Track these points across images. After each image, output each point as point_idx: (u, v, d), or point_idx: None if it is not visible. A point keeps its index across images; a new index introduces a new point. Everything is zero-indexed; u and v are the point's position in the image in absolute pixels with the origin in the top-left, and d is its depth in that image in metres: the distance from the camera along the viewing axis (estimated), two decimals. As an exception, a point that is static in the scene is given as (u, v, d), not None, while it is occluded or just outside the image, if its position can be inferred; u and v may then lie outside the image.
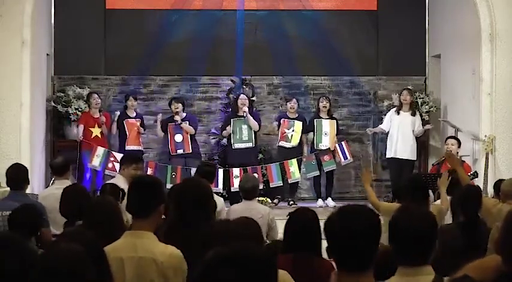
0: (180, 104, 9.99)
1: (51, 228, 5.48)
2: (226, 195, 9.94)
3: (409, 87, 10.58)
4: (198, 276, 1.97)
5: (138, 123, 10.20)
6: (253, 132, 10.08)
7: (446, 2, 10.73)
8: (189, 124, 9.96)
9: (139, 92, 11.00)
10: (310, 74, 11.49)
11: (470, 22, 9.58)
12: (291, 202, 10.21)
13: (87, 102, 10.26)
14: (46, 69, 10.41)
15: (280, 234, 5.04)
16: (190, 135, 9.96)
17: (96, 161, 9.70)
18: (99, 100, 10.22)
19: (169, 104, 10.13)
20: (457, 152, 8.61)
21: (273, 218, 6.21)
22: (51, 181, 8.40)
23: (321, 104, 10.34)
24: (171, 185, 9.21)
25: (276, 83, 11.53)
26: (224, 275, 1.92)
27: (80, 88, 10.71)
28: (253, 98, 10.98)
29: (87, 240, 2.79)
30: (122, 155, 9.08)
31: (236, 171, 9.72)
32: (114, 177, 7.40)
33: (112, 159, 9.60)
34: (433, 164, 9.14)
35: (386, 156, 10.31)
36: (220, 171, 9.74)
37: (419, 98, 10.87)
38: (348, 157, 10.12)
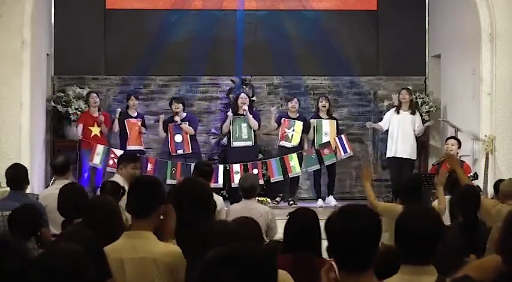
0: (180, 104, 10.00)
1: (51, 228, 5.48)
2: (227, 195, 9.95)
3: (409, 87, 10.57)
4: (198, 276, 1.97)
5: (140, 123, 10.21)
6: (253, 131, 10.09)
7: (446, 2, 10.73)
8: (189, 124, 9.96)
9: (140, 92, 11.00)
10: (310, 74, 11.49)
11: (470, 22, 9.58)
12: (291, 202, 10.21)
13: (86, 101, 10.27)
14: (46, 69, 10.41)
15: (279, 234, 5.04)
16: (190, 135, 9.96)
17: (96, 159, 9.72)
18: (98, 99, 10.23)
19: (170, 104, 10.15)
20: (457, 152, 8.61)
21: (273, 218, 6.20)
22: (51, 181, 8.40)
23: (320, 104, 10.34)
24: (171, 180, 9.29)
25: (276, 83, 11.54)
26: (224, 275, 1.92)
27: (80, 88, 10.72)
28: (253, 98, 10.98)
29: (86, 240, 2.79)
30: (122, 152, 9.11)
31: (236, 167, 9.74)
32: (113, 175, 7.39)
33: (112, 156, 9.62)
34: (433, 164, 9.15)
35: (387, 156, 10.31)
36: (221, 167, 9.76)
37: (419, 98, 10.87)
38: (348, 150, 10.11)
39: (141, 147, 10.21)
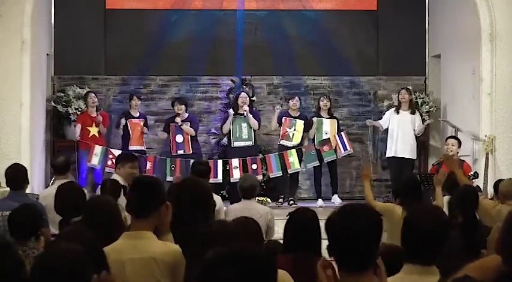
0: (183, 105, 10.02)
1: (50, 227, 5.47)
2: (227, 195, 9.95)
3: (409, 87, 10.57)
4: (198, 276, 1.97)
5: (142, 123, 10.22)
6: (253, 131, 10.10)
7: (446, 2, 10.73)
8: (190, 125, 9.98)
9: (140, 92, 11.00)
10: (310, 74, 11.49)
11: (470, 22, 9.58)
12: (291, 202, 10.20)
13: (85, 101, 10.28)
14: (46, 69, 10.41)
15: (278, 234, 5.04)
16: (191, 136, 9.98)
17: (95, 160, 9.72)
18: (96, 99, 10.23)
19: (173, 105, 10.16)
20: (458, 152, 8.61)
21: (272, 218, 6.21)
22: (51, 181, 8.40)
23: (321, 103, 10.34)
24: (171, 177, 9.31)
25: (276, 83, 11.54)
26: (224, 275, 1.92)
27: (80, 88, 10.72)
28: (253, 98, 10.98)
29: (86, 240, 2.79)
30: (120, 152, 9.11)
31: (235, 161, 9.75)
32: (112, 174, 7.39)
33: (111, 156, 9.62)
34: (433, 164, 9.15)
35: (387, 156, 10.31)
36: (220, 162, 9.77)
37: (419, 98, 10.87)
38: (348, 148, 10.10)
39: (143, 148, 10.22)
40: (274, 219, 6.27)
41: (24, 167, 6.20)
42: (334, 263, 2.56)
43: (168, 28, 11.18)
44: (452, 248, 4.53)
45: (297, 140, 10.19)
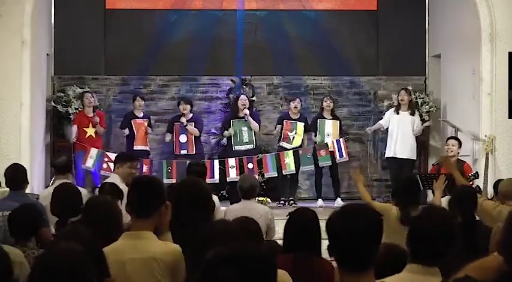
0: (188, 105, 10.03)
1: (51, 227, 5.47)
2: (227, 195, 9.96)
3: (408, 87, 10.57)
4: (198, 276, 1.97)
5: (146, 123, 10.21)
6: (254, 133, 10.08)
7: (446, 2, 10.73)
8: (195, 125, 9.99)
9: (140, 92, 11.00)
10: (310, 74, 11.49)
11: (470, 22, 9.58)
12: (291, 202, 10.21)
13: (81, 101, 10.27)
14: (46, 69, 10.41)
15: (279, 234, 5.03)
16: (195, 136, 9.98)
17: (89, 162, 9.69)
18: (93, 99, 10.22)
19: (178, 104, 10.15)
20: (458, 153, 8.61)
21: (272, 218, 6.21)
22: (51, 181, 8.40)
23: (324, 104, 10.34)
24: (168, 179, 9.30)
25: (276, 83, 11.54)
26: (224, 275, 1.92)
27: (80, 88, 10.72)
28: (253, 98, 10.98)
29: (86, 240, 2.79)
30: (115, 154, 9.10)
31: (232, 161, 9.73)
32: (108, 177, 7.40)
33: (106, 159, 9.60)
34: (433, 164, 9.14)
35: (386, 156, 10.32)
36: (216, 162, 9.78)
37: (419, 98, 10.87)
38: (344, 155, 10.09)
39: (147, 148, 10.21)
40: (274, 219, 6.27)
41: (24, 167, 6.20)
42: (334, 263, 2.57)
43: (168, 28, 11.18)
44: (452, 248, 4.53)
45: (296, 143, 10.19)
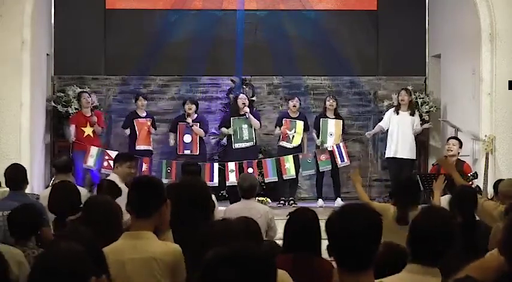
0: (194, 105, 10.04)
1: (51, 227, 5.47)
2: (227, 195, 9.95)
3: (408, 87, 10.56)
4: (198, 276, 1.97)
5: (149, 123, 10.21)
6: (254, 131, 10.09)
7: (446, 2, 10.73)
8: (200, 126, 9.99)
9: (140, 92, 10.99)
10: (310, 74, 11.49)
11: (470, 22, 9.58)
12: (291, 202, 10.21)
13: (78, 102, 10.27)
14: (46, 69, 10.41)
15: (280, 234, 5.03)
16: (199, 137, 9.98)
17: (90, 161, 9.70)
18: (90, 99, 10.22)
19: (183, 104, 10.15)
20: (458, 152, 8.61)
21: (272, 218, 6.20)
22: (52, 181, 8.40)
23: (327, 103, 10.35)
24: (167, 180, 9.30)
25: (276, 83, 11.54)
26: (224, 275, 1.92)
27: (80, 88, 10.71)
28: (253, 98, 10.99)
29: (85, 240, 2.79)
30: (115, 152, 9.11)
31: (231, 165, 9.74)
32: (108, 175, 7.40)
33: (107, 157, 9.61)
34: (433, 164, 9.15)
35: (386, 156, 10.32)
36: (216, 165, 9.77)
37: (419, 98, 10.87)
38: (345, 160, 10.09)
39: (150, 147, 10.21)
40: (275, 219, 6.26)
41: (24, 167, 6.20)
42: (334, 263, 2.57)
43: (168, 28, 11.18)
44: (452, 248, 4.54)
45: (296, 141, 10.19)
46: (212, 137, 11.18)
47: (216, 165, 9.82)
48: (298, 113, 10.33)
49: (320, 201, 10.31)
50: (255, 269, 1.95)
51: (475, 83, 9.54)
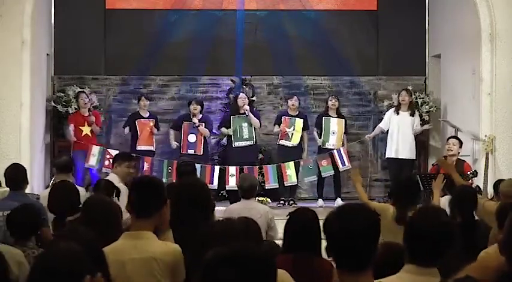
0: (199, 106, 10.06)
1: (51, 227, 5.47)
2: (226, 195, 9.95)
3: (409, 87, 10.57)
4: (198, 276, 1.97)
5: (152, 124, 10.20)
6: (254, 130, 10.09)
7: (446, 2, 10.73)
8: (205, 126, 9.99)
9: (140, 92, 10.99)
10: (310, 74, 11.49)
11: (470, 22, 9.58)
12: (291, 202, 10.21)
13: (76, 102, 10.27)
14: (46, 69, 10.41)
15: (280, 234, 5.03)
16: (204, 137, 9.98)
17: (92, 160, 9.70)
18: (88, 99, 10.21)
19: (189, 104, 10.15)
20: (459, 152, 8.61)
21: (272, 217, 6.20)
22: (52, 181, 8.39)
23: (329, 103, 10.36)
24: (168, 179, 9.30)
25: (276, 83, 11.54)
26: (224, 275, 1.92)
27: (80, 88, 10.71)
28: (253, 98, 10.99)
29: (86, 240, 2.79)
30: (116, 152, 9.11)
31: (232, 169, 9.73)
32: (108, 174, 7.40)
33: (108, 156, 9.61)
34: (433, 164, 9.15)
35: (386, 156, 10.32)
36: (217, 168, 9.76)
37: (419, 98, 10.87)
38: (346, 164, 10.08)
39: (152, 148, 10.20)
40: (275, 219, 6.26)
41: (24, 167, 6.20)
42: (333, 263, 2.57)
43: (168, 28, 11.18)
44: (450, 248, 4.53)
45: (295, 140, 10.20)
46: (212, 137, 11.18)
47: (216, 168, 9.80)
48: (297, 112, 10.34)
49: (320, 201, 10.31)
50: (255, 269, 1.96)
51: (475, 83, 9.54)
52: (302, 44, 11.29)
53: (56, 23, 11.04)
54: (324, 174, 10.08)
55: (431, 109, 10.87)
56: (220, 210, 6.35)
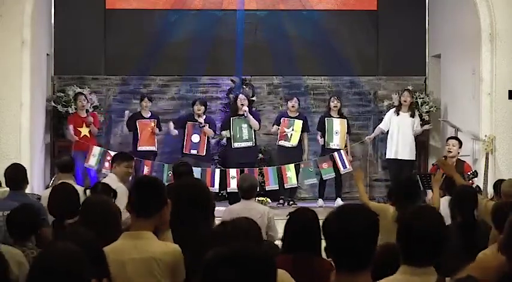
0: (203, 107, 10.02)
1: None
2: (226, 195, 9.95)
3: (409, 87, 10.57)
4: (198, 276, 1.97)
5: (153, 124, 10.19)
6: (253, 131, 10.09)
7: (446, 2, 10.73)
8: (209, 127, 9.98)
9: (140, 92, 10.99)
10: (310, 74, 11.49)
11: (470, 22, 9.58)
12: (291, 202, 10.21)
13: (75, 103, 10.27)
14: (46, 69, 10.42)
15: (280, 234, 5.03)
16: (207, 137, 9.98)
17: (92, 161, 9.69)
18: (85, 101, 10.19)
19: (193, 105, 10.12)
20: (458, 153, 8.61)
21: (272, 217, 6.20)
22: (52, 181, 8.40)
23: (331, 104, 10.36)
24: (167, 183, 9.27)
25: (276, 83, 11.54)
26: (224, 275, 1.92)
27: (80, 88, 10.71)
28: (253, 98, 10.98)
29: (86, 240, 2.79)
30: (115, 152, 9.09)
31: (233, 171, 9.71)
32: (107, 175, 7.40)
33: (108, 158, 9.59)
34: (433, 164, 9.15)
35: (387, 157, 10.32)
36: (217, 171, 9.75)
37: (419, 98, 10.87)
38: (347, 166, 10.06)
39: (153, 148, 10.17)
40: (275, 219, 6.26)
41: (24, 167, 6.20)
42: (332, 263, 2.56)
43: (168, 28, 11.18)
44: (451, 248, 4.53)
45: (295, 140, 10.19)
46: (212, 137, 11.18)
47: (217, 171, 9.77)
48: (297, 113, 10.33)
49: (320, 201, 10.31)
50: (255, 269, 1.96)
51: (475, 83, 9.54)
52: (302, 44, 11.29)
53: (56, 23, 11.04)
54: (325, 177, 10.07)
55: (431, 109, 10.87)
56: (220, 211, 6.34)
